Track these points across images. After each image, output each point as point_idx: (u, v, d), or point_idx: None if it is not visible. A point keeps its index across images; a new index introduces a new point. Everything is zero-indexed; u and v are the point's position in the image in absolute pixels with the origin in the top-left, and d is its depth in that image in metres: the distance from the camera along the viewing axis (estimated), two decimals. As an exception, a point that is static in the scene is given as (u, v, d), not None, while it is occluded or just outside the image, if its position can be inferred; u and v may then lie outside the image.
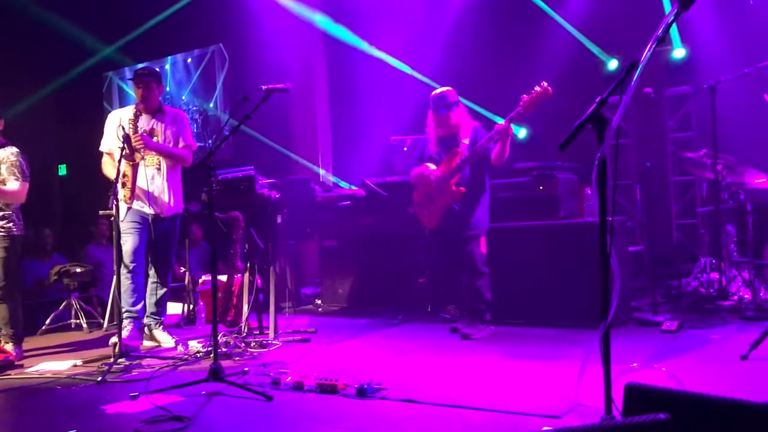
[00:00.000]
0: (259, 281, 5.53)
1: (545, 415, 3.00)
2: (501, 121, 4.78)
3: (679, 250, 7.27)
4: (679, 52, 7.23)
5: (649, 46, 2.48)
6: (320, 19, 8.88)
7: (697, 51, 7.21)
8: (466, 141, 5.09)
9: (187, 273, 6.53)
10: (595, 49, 7.76)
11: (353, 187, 7.56)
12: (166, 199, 5.21)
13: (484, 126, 5.24)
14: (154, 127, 5.24)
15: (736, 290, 5.70)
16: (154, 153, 5.16)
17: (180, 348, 5.01)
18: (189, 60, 10.61)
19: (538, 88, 4.65)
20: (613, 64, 7.65)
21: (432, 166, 5.19)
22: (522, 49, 7.90)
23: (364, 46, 8.73)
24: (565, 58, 7.60)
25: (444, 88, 5.25)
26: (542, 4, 7.78)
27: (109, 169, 5.17)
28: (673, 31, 7.18)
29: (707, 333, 4.65)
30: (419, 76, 8.17)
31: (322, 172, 9.04)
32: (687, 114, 7.51)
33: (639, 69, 2.46)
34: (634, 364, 3.79)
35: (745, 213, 5.61)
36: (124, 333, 4.92)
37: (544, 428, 1.70)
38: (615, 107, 2.45)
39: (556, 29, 7.79)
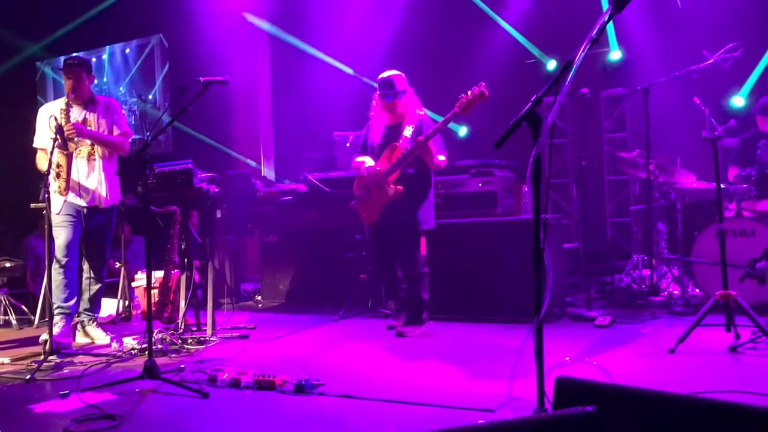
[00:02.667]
0: (197, 277, 5.44)
1: (480, 409, 3.04)
2: (440, 119, 4.65)
3: (612, 247, 7.48)
4: (615, 55, 7.43)
5: (583, 46, 2.54)
6: (264, 25, 8.84)
7: (633, 54, 7.42)
8: (408, 133, 4.81)
9: (122, 268, 6.38)
10: (534, 50, 7.91)
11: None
12: (103, 192, 5.07)
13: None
14: (87, 117, 5.09)
15: (666, 286, 5.91)
16: (88, 143, 5.02)
17: (114, 345, 4.89)
18: (127, 50, 10.34)
19: (476, 89, 4.49)
20: (551, 65, 7.81)
21: (370, 161, 4.95)
22: (462, 49, 8.00)
23: (306, 47, 8.71)
24: (505, 58, 7.72)
25: (393, 72, 4.92)
26: (483, 6, 7.88)
27: (43, 163, 4.97)
28: (610, 34, 7.37)
29: (638, 327, 4.80)
30: (361, 77, 8.16)
31: (263, 167, 8.96)
32: (622, 115, 7.72)
33: (573, 69, 2.52)
34: (567, 358, 3.88)
35: (675, 211, 5.81)
36: (56, 329, 4.77)
37: (479, 421, 1.73)
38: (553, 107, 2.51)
39: (497, 30, 7.91)
